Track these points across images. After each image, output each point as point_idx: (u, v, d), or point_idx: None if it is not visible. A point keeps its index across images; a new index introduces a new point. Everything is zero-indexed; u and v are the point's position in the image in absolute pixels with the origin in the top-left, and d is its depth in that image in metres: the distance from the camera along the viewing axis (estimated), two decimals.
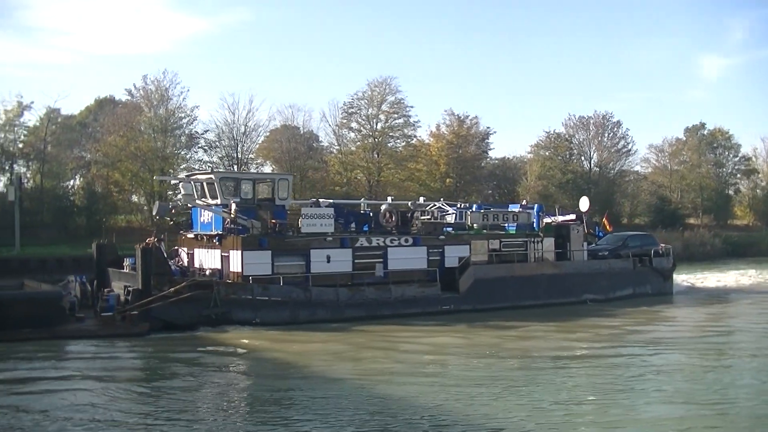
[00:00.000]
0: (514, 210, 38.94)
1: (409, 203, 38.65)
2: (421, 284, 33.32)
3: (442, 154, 76.31)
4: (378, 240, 33.39)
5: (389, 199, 41.06)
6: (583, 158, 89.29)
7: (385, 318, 31.43)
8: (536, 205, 40.04)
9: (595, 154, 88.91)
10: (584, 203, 40.82)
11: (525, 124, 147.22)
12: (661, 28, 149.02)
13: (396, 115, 74.33)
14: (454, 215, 38.31)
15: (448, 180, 75.28)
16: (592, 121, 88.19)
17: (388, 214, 34.63)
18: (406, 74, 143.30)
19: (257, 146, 72.43)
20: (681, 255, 57.18)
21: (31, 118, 66.62)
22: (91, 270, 33.83)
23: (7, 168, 64.06)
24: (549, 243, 37.95)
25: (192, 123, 67.42)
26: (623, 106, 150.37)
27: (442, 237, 34.91)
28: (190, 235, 34.35)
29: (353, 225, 34.89)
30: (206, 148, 69.21)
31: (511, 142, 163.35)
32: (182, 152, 67.43)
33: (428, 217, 37.21)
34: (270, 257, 30.94)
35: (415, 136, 76.72)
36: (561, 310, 34.49)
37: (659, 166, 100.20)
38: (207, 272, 31.66)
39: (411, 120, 74.85)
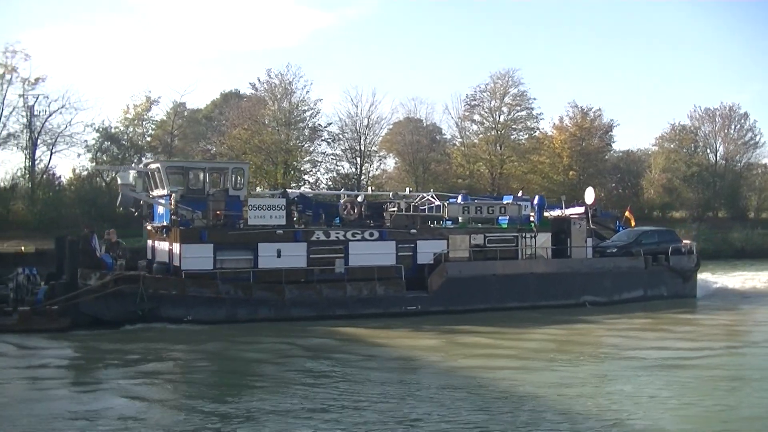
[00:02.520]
0: (500, 202, 35.35)
1: (391, 194, 35.75)
2: (384, 282, 30.54)
3: (565, 147, 75.92)
4: (337, 233, 30.83)
5: (370, 189, 38.37)
6: (708, 151, 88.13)
7: (339, 319, 28.98)
8: (537, 197, 36.24)
9: (721, 147, 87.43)
10: (589, 194, 36.87)
11: (649, 117, 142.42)
12: None
13: (519, 108, 75.11)
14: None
15: (571, 173, 74.99)
16: (718, 113, 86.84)
17: (349, 206, 32.01)
18: (529, 66, 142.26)
19: (380, 139, 73.30)
20: None
21: (158, 113, 69.10)
22: None
23: (135, 161, 65.11)
24: (544, 239, 34.26)
25: (315, 116, 68.98)
26: (750, 98, 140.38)
27: (413, 231, 31.94)
28: (149, 227, 32.95)
29: (323, 217, 32.54)
30: (329, 140, 70.74)
31: (635, 134, 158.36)
32: (305, 145, 68.84)
33: (396, 209, 33.79)
34: (212, 251, 28.97)
35: (537, 129, 77.24)
36: (548, 314, 30.98)
37: None
38: (154, 266, 30.11)
39: (534, 112, 75.54)
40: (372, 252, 31.04)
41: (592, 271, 34.41)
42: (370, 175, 73.64)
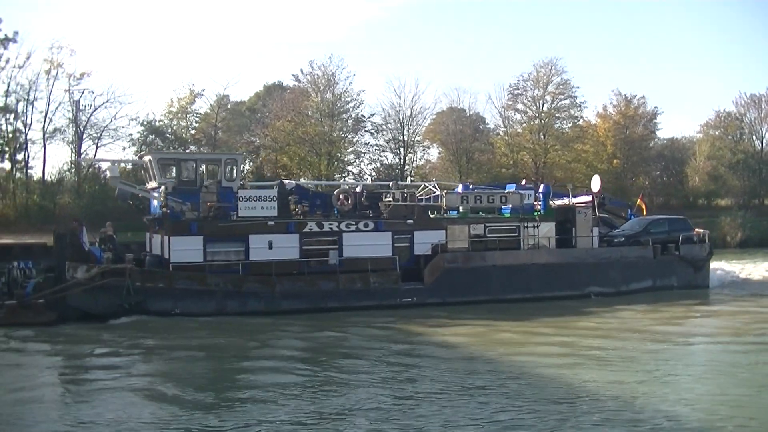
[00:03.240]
0: (502, 191, 34.39)
1: (390, 184, 35.02)
2: (379, 274, 29.89)
3: (609, 135, 75.98)
4: (331, 224, 30.25)
5: (369, 179, 37.62)
6: (754, 137, 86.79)
7: (332, 311, 28.44)
8: (542, 185, 35.25)
9: (767, 133, 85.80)
10: (596, 182, 35.75)
11: (694, 104, 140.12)
12: None
13: (562, 96, 74.99)
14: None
15: (615, 161, 75.16)
16: (764, 99, 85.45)
17: (342, 197, 31.37)
18: (572, 54, 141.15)
19: (423, 129, 73.60)
20: None
21: (202, 105, 69.68)
22: None
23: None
24: (548, 228, 33.28)
25: (358, 107, 69.56)
26: None
27: (410, 221, 31.22)
28: (146, 220, 32.74)
29: (320, 208, 32.01)
30: (373, 131, 71.09)
31: (679, 122, 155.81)
32: (349, 136, 69.24)
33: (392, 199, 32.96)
34: (201, 243, 28.61)
35: (581, 117, 77.00)
36: (551, 306, 30.05)
37: None
38: (147, 259, 29.86)
39: (577, 101, 75.39)
40: (367, 243, 30.39)
41: (598, 262, 33.35)
42: (414, 165, 73.84)
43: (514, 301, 30.84)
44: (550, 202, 34.73)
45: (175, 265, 28.08)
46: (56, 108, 60.99)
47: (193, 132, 68.79)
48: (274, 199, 29.54)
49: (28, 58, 59.63)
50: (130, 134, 63.92)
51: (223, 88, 70.06)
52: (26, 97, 60.08)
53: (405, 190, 33.47)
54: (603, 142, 75.97)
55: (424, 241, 31.24)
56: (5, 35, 59.58)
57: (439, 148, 75.34)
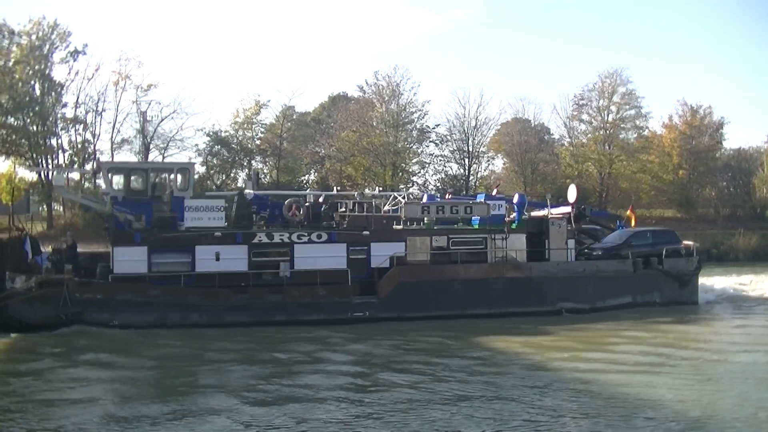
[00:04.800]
0: (467, 201, 32.97)
1: (356, 194, 33.99)
2: (330, 287, 28.91)
3: (674, 146, 75.59)
4: (282, 236, 29.42)
5: (335, 189, 36.61)
6: None
7: (279, 325, 27.59)
8: (517, 195, 33.73)
9: None
10: (572, 192, 34.01)
11: (761, 114, 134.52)
12: None
13: (627, 107, 75.23)
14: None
15: (681, 172, 74.84)
16: None
17: (293, 207, 30.52)
18: (637, 64, 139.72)
19: (488, 139, 74.25)
20: None
21: (268, 116, 71.28)
22: None
23: (245, 164, 68.75)
24: (518, 240, 31.79)
25: (423, 117, 70.66)
26: None
27: (366, 233, 30.16)
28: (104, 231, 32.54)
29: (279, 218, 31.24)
30: (437, 142, 72.42)
31: (746, 132, 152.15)
32: (413, 146, 70.35)
33: (345, 209, 32.06)
34: (146, 254, 28.14)
35: (646, 128, 77.17)
36: (518, 322, 28.56)
37: None
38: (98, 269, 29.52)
39: (642, 111, 75.54)
40: (320, 255, 29.49)
41: (571, 276, 31.66)
42: (479, 176, 74.19)
43: (477, 316, 29.47)
44: (531, 214, 33.30)
45: (118, 276, 27.66)
46: (124, 119, 63.16)
47: (258, 142, 69.81)
48: (222, 209, 28.94)
49: (96, 70, 62.03)
50: (196, 144, 65.46)
51: (288, 99, 71.53)
52: (95, 109, 62.34)
53: (363, 200, 32.42)
54: (668, 152, 75.85)
55: (381, 254, 30.13)
56: (75, 48, 62.17)
57: (504, 159, 75.75)
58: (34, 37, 60.70)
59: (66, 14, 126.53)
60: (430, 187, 68.30)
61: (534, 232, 32.41)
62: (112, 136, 62.26)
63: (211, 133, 66.40)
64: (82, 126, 61.93)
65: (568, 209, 33.84)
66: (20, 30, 60.66)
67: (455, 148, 72.43)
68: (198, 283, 28.22)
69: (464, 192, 65.06)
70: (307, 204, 32.36)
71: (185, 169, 30.72)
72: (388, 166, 65.40)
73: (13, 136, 60.37)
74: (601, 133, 74.84)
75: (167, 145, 63.69)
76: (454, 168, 73.43)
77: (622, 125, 75.28)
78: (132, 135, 63.19)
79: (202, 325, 27.18)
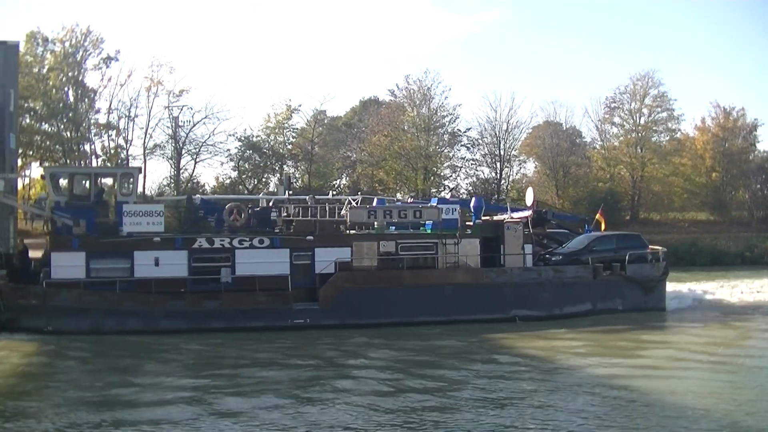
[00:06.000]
0: (415, 205, 32.18)
1: (307, 197, 33.44)
2: (269, 293, 28.46)
3: (707, 148, 75.15)
4: (222, 241, 29.07)
5: (288, 193, 36.02)
6: None
7: (216, 332, 27.27)
8: (474, 199, 32.83)
9: None
10: (529, 195, 33.05)
11: None
12: None
13: (659, 109, 74.90)
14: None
15: (714, 174, 74.34)
16: None
17: (234, 212, 30.13)
18: (669, 67, 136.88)
19: (519, 143, 74.31)
20: None
21: (299, 121, 71.84)
22: None
23: (277, 168, 69.55)
24: (471, 246, 30.93)
25: (454, 121, 71.01)
26: None
27: (309, 237, 29.63)
28: None
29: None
30: (469, 146, 72.50)
31: None
32: (445, 150, 70.54)
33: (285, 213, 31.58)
34: (84, 259, 28.00)
35: (679, 130, 76.70)
36: (469, 330, 27.74)
37: None
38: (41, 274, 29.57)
39: (674, 113, 75.01)
40: (261, 260, 29.04)
41: (526, 282, 30.73)
42: (510, 179, 74.00)
43: (425, 324, 28.76)
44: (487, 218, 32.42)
45: (54, 282, 27.61)
46: (156, 124, 63.95)
47: (290, 147, 70.15)
48: (161, 214, 28.74)
49: (129, 76, 62.97)
50: (228, 149, 65.99)
51: (319, 104, 71.50)
52: (127, 114, 63.26)
53: (304, 204, 31.86)
54: (701, 155, 75.08)
55: (326, 259, 29.55)
56: (108, 54, 63.25)
57: (536, 162, 75.39)
58: (67, 44, 61.90)
59: (99, 21, 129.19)
60: (462, 190, 68.09)
61: (489, 236, 31.52)
62: (144, 142, 63.32)
63: (242, 138, 66.91)
64: (114, 132, 63.13)
65: (526, 213, 32.82)
66: (54, 37, 62.00)
67: (487, 152, 72.35)
68: (137, 289, 28.03)
69: (495, 196, 64.37)
70: (257, 209, 31.93)
71: (128, 174, 30.54)
72: (419, 170, 65.47)
73: (48, 142, 61.65)
74: (633, 135, 74.17)
75: (199, 150, 64.47)
76: (485, 172, 73.43)
77: (654, 128, 75.03)
78: (164, 140, 64.17)
79: (139, 332, 26.98)
